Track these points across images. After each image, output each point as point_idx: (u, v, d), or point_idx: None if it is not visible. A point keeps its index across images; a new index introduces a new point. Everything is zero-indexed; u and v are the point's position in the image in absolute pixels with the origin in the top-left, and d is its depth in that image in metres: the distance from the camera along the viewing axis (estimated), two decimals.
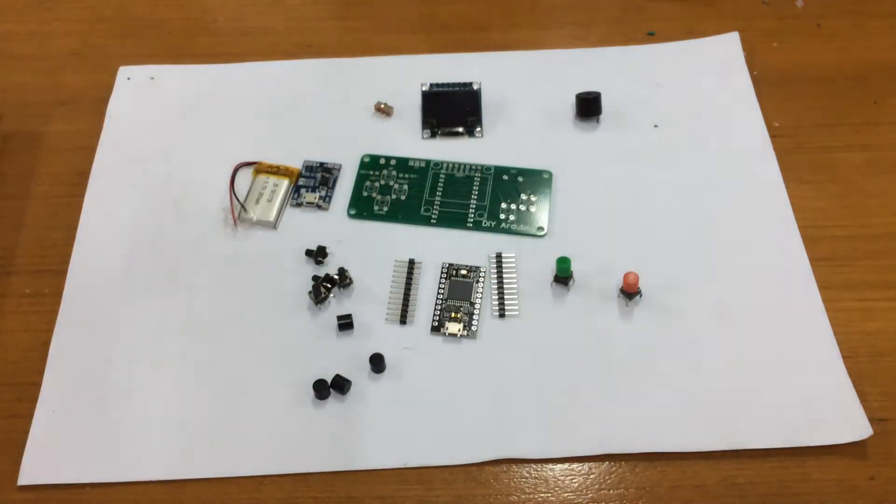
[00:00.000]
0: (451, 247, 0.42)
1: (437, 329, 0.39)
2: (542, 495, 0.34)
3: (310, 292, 0.39)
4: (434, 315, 0.39)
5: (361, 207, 0.43)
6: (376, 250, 0.42)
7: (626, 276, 0.38)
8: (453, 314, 0.39)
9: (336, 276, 0.40)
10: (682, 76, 0.49)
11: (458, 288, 0.40)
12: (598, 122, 0.46)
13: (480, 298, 0.40)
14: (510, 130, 0.46)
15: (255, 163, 0.45)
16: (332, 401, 0.37)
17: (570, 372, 0.37)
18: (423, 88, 0.47)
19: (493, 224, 0.42)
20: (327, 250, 0.41)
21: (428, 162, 0.45)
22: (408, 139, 0.46)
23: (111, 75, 0.50)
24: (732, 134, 0.46)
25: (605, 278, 0.40)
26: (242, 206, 0.43)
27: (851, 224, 0.42)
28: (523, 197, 0.43)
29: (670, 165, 0.44)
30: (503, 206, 0.43)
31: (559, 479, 0.35)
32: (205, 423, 0.36)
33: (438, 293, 0.40)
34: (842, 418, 0.35)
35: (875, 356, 0.38)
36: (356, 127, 0.47)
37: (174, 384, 0.37)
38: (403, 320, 0.39)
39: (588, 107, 0.46)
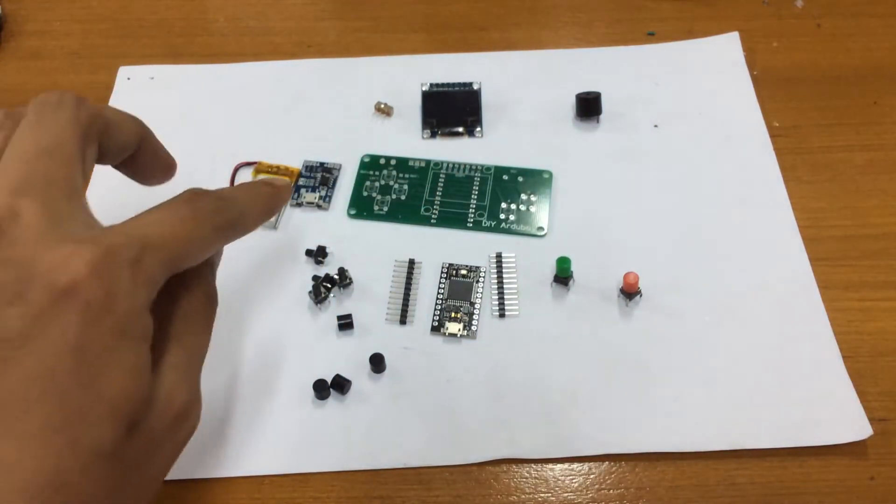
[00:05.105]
0: (451, 247, 0.42)
1: (437, 329, 0.39)
2: (542, 495, 0.34)
3: (310, 292, 0.39)
4: (434, 315, 0.39)
5: (361, 207, 0.43)
6: (376, 250, 0.42)
7: (626, 276, 0.38)
8: (453, 314, 0.39)
9: (336, 276, 0.40)
10: (682, 76, 0.49)
11: (458, 288, 0.40)
12: (598, 122, 0.46)
13: (480, 298, 0.40)
14: (510, 130, 0.46)
15: (255, 163, 0.45)
16: (332, 401, 0.37)
17: (570, 372, 0.37)
18: (423, 88, 0.47)
19: (493, 224, 0.42)
20: (327, 250, 0.41)
21: (428, 162, 0.45)
22: (408, 139, 0.46)
23: (111, 75, 0.50)
24: (732, 134, 0.46)
25: (605, 278, 0.40)
26: None
27: (851, 224, 0.42)
28: (523, 197, 0.43)
29: (670, 165, 0.44)
30: (503, 206, 0.43)
31: (559, 479, 0.35)
32: (204, 423, 0.36)
33: (438, 293, 0.40)
34: (842, 418, 0.35)
35: (875, 356, 0.38)
36: (356, 127, 0.47)
37: None
38: (403, 320, 0.39)
39: (588, 107, 0.46)
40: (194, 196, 0.23)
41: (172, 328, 0.22)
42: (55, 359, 0.18)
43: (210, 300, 0.25)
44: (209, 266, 0.25)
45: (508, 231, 0.42)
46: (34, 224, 0.19)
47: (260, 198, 0.26)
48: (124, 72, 0.50)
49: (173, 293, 0.23)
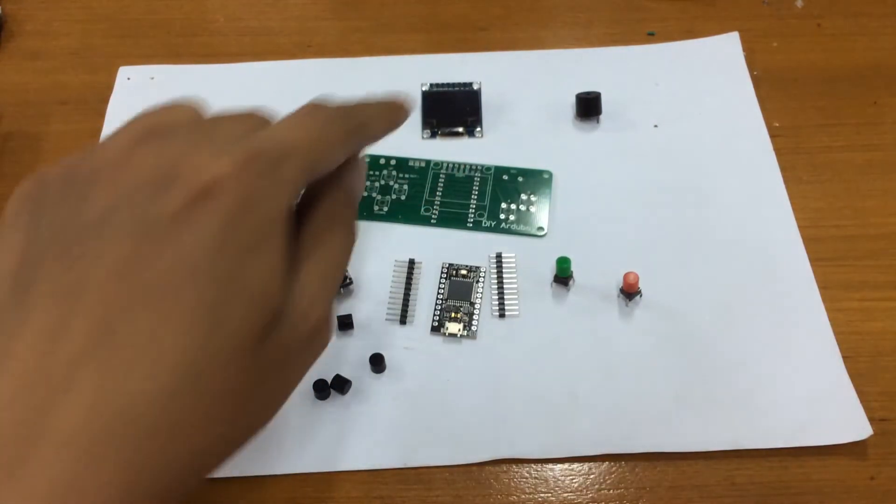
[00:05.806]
0: (451, 247, 0.42)
1: (437, 329, 0.39)
2: (542, 495, 0.34)
3: None
4: (434, 315, 0.39)
5: (361, 207, 0.43)
6: (376, 250, 0.42)
7: (626, 276, 0.38)
8: (453, 314, 0.39)
9: None
10: (682, 76, 0.49)
11: (458, 288, 0.40)
12: (598, 122, 0.46)
13: (480, 298, 0.40)
14: (510, 130, 0.46)
15: None
16: (332, 401, 0.37)
17: (570, 372, 0.37)
18: (423, 88, 0.47)
19: (493, 224, 0.42)
20: None
21: (428, 162, 0.45)
22: (408, 139, 0.46)
23: (111, 75, 0.50)
24: (732, 134, 0.46)
25: (605, 278, 0.40)
26: None
27: (851, 224, 0.42)
28: (523, 197, 0.43)
29: (670, 165, 0.44)
30: (503, 206, 0.43)
31: (559, 479, 0.35)
32: None
33: (438, 293, 0.40)
34: (842, 418, 0.35)
35: (875, 356, 0.38)
36: None
37: None
38: (403, 320, 0.39)
39: (588, 107, 0.46)
40: (319, 104, 0.24)
41: (308, 249, 0.23)
42: (199, 250, 0.19)
43: (348, 234, 0.25)
44: (349, 198, 0.25)
45: (508, 231, 0.42)
46: (189, 136, 0.21)
47: (382, 107, 0.27)
48: (124, 72, 0.50)
49: (315, 216, 0.24)
